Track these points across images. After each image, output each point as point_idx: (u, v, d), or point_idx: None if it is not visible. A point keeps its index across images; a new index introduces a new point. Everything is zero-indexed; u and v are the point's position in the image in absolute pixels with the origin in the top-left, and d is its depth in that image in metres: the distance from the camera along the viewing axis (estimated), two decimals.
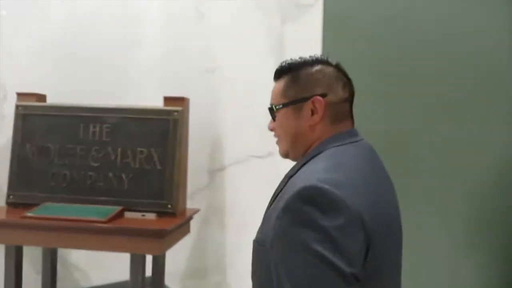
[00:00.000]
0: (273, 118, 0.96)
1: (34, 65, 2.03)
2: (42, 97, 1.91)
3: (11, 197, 1.78)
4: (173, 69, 2.00)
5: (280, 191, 0.87)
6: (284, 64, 0.96)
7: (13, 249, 1.67)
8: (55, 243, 1.63)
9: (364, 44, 1.69)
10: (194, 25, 1.99)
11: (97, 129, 1.78)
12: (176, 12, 2.00)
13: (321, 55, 0.96)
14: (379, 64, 1.72)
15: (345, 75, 0.95)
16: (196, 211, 1.85)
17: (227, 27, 1.94)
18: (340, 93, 0.91)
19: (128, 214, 1.69)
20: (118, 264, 1.92)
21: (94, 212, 1.63)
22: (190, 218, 1.81)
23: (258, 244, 0.86)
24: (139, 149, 1.75)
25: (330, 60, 0.95)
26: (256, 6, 1.89)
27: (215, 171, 1.96)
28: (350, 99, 0.94)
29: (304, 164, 0.88)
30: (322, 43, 1.62)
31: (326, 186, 0.76)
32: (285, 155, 0.98)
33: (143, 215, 1.69)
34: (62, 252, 2.00)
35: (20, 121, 1.82)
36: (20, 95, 1.87)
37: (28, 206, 1.72)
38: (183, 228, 1.75)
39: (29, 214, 1.60)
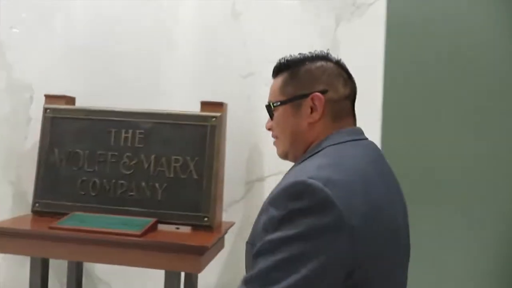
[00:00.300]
0: (271, 116, 0.94)
1: (61, 65, 1.93)
2: (71, 100, 1.81)
3: (37, 205, 1.68)
4: (207, 73, 1.89)
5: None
6: (282, 60, 0.94)
7: (39, 261, 1.57)
8: (85, 257, 1.52)
9: (433, 47, 1.56)
10: (230, 25, 1.87)
11: (130, 134, 1.67)
12: (210, 11, 1.89)
13: (321, 51, 0.93)
14: (449, 67, 1.60)
15: (346, 72, 0.93)
16: (231, 224, 1.73)
17: (267, 27, 1.82)
18: (340, 90, 0.89)
19: (161, 227, 1.58)
20: (142, 277, 1.82)
21: (126, 224, 1.52)
22: (226, 232, 1.68)
23: (250, 244, 0.83)
24: (174, 157, 1.63)
25: (330, 56, 0.93)
26: (302, 3, 1.76)
27: (252, 182, 1.83)
28: (351, 96, 0.92)
29: (302, 162, 0.86)
30: (385, 45, 1.49)
31: (316, 183, 0.72)
32: (284, 155, 0.95)
33: (177, 228, 1.58)
34: (86, 264, 1.89)
35: (48, 124, 1.72)
36: (48, 97, 1.77)
37: (54, 215, 1.62)
38: (219, 243, 1.63)
39: (58, 225, 1.49)
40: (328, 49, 0.95)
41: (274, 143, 0.96)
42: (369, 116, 1.66)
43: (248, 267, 0.84)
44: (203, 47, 1.89)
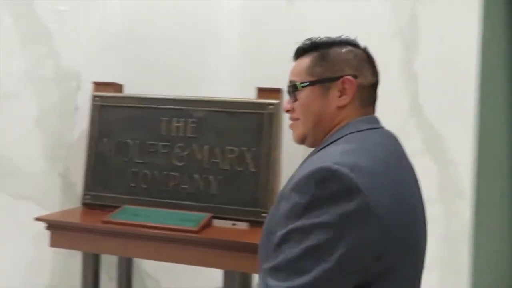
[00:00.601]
0: (294, 96, 0.91)
1: (106, 53, 1.85)
2: (119, 87, 1.74)
3: (87, 197, 1.61)
4: (257, 59, 1.76)
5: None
6: (308, 41, 0.92)
7: (91, 256, 1.51)
8: (138, 253, 1.44)
9: None
10: (283, 7, 1.73)
11: (182, 123, 1.57)
12: None
13: (347, 36, 0.91)
14: None
15: (373, 60, 0.91)
16: None
17: (325, 8, 1.67)
18: (369, 77, 0.88)
19: (216, 222, 1.48)
20: (191, 274, 1.74)
21: (180, 219, 1.43)
22: None
23: (268, 231, 0.82)
24: (228, 147, 1.53)
25: (358, 43, 0.91)
26: None
27: None
28: (376, 86, 0.91)
29: (325, 147, 0.84)
30: (483, 27, 1.28)
31: (342, 169, 0.70)
32: (302, 139, 0.92)
33: (233, 224, 1.48)
34: (134, 258, 1.82)
35: (97, 113, 1.65)
36: (96, 85, 1.70)
37: (104, 208, 1.55)
38: None
39: (111, 219, 1.42)
40: (359, 42, 0.91)
41: (291, 126, 0.93)
42: (460, 110, 1.49)
43: (263, 254, 0.82)
44: (251, 32, 1.76)
